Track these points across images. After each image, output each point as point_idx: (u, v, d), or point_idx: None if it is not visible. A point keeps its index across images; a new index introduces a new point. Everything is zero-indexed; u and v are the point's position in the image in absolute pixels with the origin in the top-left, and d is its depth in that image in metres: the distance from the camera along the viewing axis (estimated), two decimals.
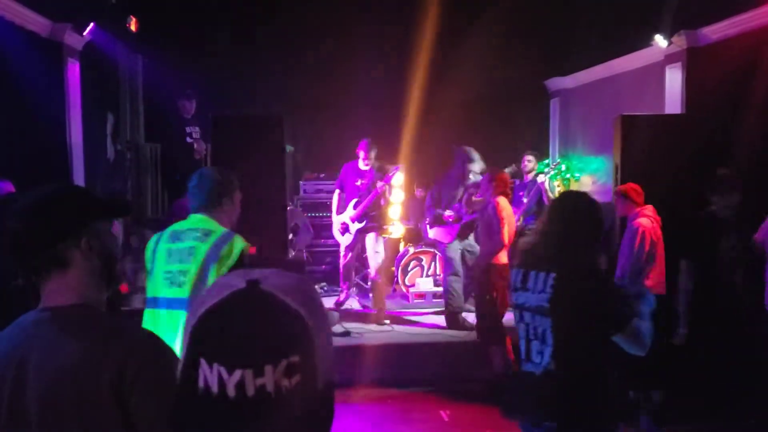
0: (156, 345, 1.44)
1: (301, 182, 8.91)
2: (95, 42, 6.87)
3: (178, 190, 6.82)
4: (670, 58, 6.55)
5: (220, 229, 2.79)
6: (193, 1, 7.67)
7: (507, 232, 4.97)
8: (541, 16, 8.08)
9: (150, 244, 2.87)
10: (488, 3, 7.98)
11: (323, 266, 8.45)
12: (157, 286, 2.80)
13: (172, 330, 2.69)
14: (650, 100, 6.95)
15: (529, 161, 7.54)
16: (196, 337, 0.84)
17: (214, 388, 0.81)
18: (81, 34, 6.47)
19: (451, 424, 4.87)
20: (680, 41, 6.29)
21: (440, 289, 6.89)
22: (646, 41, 6.63)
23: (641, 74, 7.32)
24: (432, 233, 6.89)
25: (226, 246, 2.72)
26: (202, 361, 0.82)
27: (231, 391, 0.80)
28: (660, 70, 6.73)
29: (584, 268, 2.45)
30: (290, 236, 6.87)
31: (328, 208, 8.50)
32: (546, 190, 7.08)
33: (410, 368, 5.76)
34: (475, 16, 8.06)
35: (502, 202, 5.07)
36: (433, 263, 7.55)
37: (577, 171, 8.48)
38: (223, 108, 8.08)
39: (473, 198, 5.90)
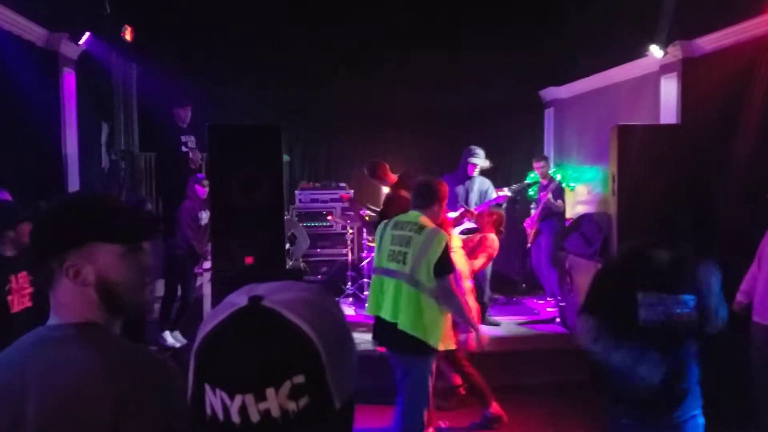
0: (160, 373, 1.34)
1: (296, 191, 8.89)
2: (91, 51, 6.85)
3: (174, 200, 6.79)
4: (665, 68, 6.57)
5: (429, 226, 3.77)
6: (188, 11, 7.66)
7: (478, 264, 5.25)
8: (536, 27, 8.12)
9: (380, 228, 4.02)
10: (483, 13, 8.03)
11: (319, 276, 8.42)
12: (382, 259, 3.90)
13: (387, 292, 3.84)
14: (645, 110, 6.98)
15: (542, 167, 7.94)
16: (200, 361, 0.79)
17: (220, 415, 0.76)
18: (77, 43, 6.45)
19: None
20: (675, 51, 6.32)
21: None
22: (641, 51, 6.65)
23: (636, 84, 7.34)
24: None
25: (435, 240, 3.68)
26: (207, 387, 0.77)
27: (235, 418, 0.75)
28: (655, 80, 6.75)
29: None
30: (287, 246, 6.83)
31: (324, 217, 8.53)
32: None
33: None
34: (470, 26, 8.09)
35: (492, 238, 5.37)
36: None
37: (572, 180, 8.50)
38: (219, 117, 8.05)
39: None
